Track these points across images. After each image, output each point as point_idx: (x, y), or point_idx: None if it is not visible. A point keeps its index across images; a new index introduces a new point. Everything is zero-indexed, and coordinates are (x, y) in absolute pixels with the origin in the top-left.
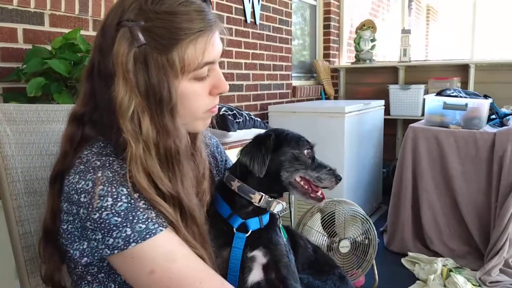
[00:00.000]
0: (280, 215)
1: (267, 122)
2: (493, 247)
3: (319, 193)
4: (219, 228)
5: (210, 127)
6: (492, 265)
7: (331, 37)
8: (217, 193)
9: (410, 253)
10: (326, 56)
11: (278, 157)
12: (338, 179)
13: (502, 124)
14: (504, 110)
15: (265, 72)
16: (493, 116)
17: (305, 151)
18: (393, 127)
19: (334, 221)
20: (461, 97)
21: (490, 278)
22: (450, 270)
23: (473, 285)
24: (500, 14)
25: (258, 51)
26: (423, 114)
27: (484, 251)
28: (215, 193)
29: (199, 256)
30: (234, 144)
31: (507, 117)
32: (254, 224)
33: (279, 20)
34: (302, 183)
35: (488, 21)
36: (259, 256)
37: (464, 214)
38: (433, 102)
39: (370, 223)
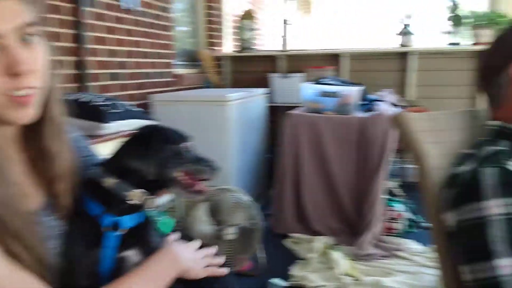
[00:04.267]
0: (164, 209)
1: (149, 112)
2: (365, 223)
3: (199, 186)
4: (85, 228)
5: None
6: (364, 239)
7: (214, 26)
8: (85, 191)
9: (292, 234)
10: (211, 44)
11: (158, 153)
12: (216, 170)
13: (371, 109)
14: (372, 96)
15: (147, 60)
16: (364, 102)
17: (184, 145)
18: (277, 114)
19: (220, 209)
20: (336, 85)
21: (363, 252)
22: (329, 248)
23: (350, 259)
24: (370, 5)
25: (137, 38)
26: None
27: (360, 228)
28: (81, 191)
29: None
30: (110, 136)
31: (375, 103)
32: (127, 222)
33: (160, 7)
34: (183, 178)
35: (362, 11)
36: (132, 256)
37: (340, 194)
38: (309, 90)
39: (255, 208)
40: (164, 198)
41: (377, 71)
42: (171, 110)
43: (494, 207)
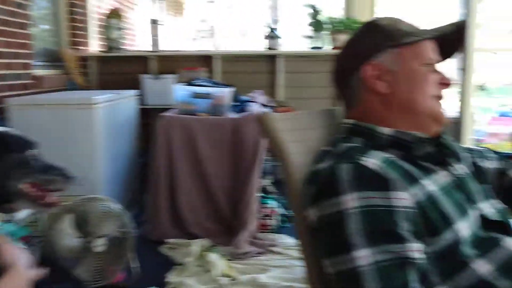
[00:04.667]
0: (23, 223)
1: (3, 118)
2: (241, 222)
3: (50, 198)
4: None
5: None
6: (240, 238)
7: (78, 24)
8: None
9: (168, 240)
10: (75, 43)
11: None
12: (70, 179)
13: (243, 110)
14: (244, 97)
15: (1, 61)
16: (236, 103)
17: (31, 153)
18: (149, 117)
19: (88, 220)
20: (208, 86)
21: (240, 250)
22: (206, 250)
23: (226, 260)
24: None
25: None
26: None
27: (236, 227)
28: None
29: None
30: None
31: (247, 104)
32: None
33: (16, 3)
34: (30, 189)
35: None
36: None
37: (216, 196)
38: (182, 91)
39: (125, 216)
40: (23, 212)
41: (248, 73)
42: (30, 115)
43: (350, 201)
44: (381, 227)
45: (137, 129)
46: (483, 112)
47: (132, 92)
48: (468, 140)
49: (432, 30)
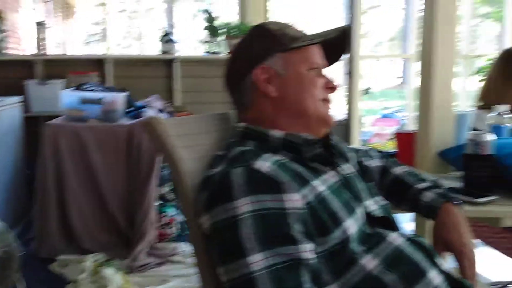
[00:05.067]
0: None
1: None
2: (138, 233)
3: None
4: None
5: None
6: (139, 250)
7: None
8: None
9: (59, 257)
10: None
11: None
12: None
13: (138, 116)
14: (139, 103)
15: None
16: (131, 109)
17: None
18: (35, 125)
19: None
20: (98, 91)
21: (138, 263)
22: (101, 265)
23: (123, 273)
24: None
25: None
26: None
27: (133, 238)
28: None
29: None
30: None
31: (142, 109)
32: None
33: None
34: None
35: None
36: None
37: (111, 206)
38: (70, 97)
39: (8, 234)
40: None
41: (143, 78)
42: None
43: (243, 205)
44: (274, 230)
45: (22, 138)
46: (369, 115)
47: (16, 98)
48: (356, 141)
49: (318, 35)
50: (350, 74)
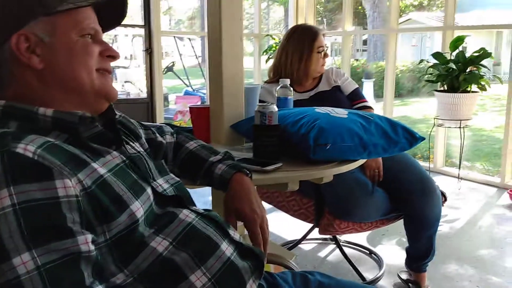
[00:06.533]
0: None
1: None
2: None
3: None
4: None
5: None
6: None
7: None
8: None
9: None
10: None
11: None
12: None
13: None
14: None
15: None
16: None
17: None
18: None
19: None
20: None
21: None
22: None
23: None
24: None
25: None
26: None
27: None
28: None
29: None
30: None
31: None
32: None
33: None
34: None
35: None
36: None
37: None
38: None
39: None
40: None
41: None
42: None
43: (3, 199)
44: (44, 223)
45: None
46: (173, 92)
47: None
48: (160, 119)
49: None
50: (149, 50)
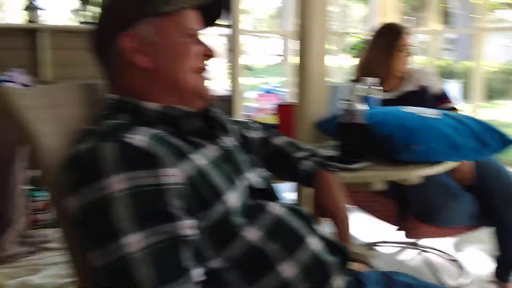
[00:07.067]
0: None
1: None
2: (4, 221)
3: None
4: None
5: None
6: (5, 239)
7: None
8: None
9: None
10: None
11: None
12: None
13: None
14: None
15: None
16: None
17: None
18: None
19: None
20: None
21: (6, 253)
22: None
23: None
24: None
25: None
26: None
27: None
28: None
29: None
30: None
31: (3, 84)
32: None
33: None
34: None
35: None
36: None
37: None
38: None
39: None
40: None
41: (5, 49)
42: None
43: (116, 183)
44: (151, 208)
45: None
46: (251, 90)
47: None
48: (239, 115)
49: None
50: (232, 49)
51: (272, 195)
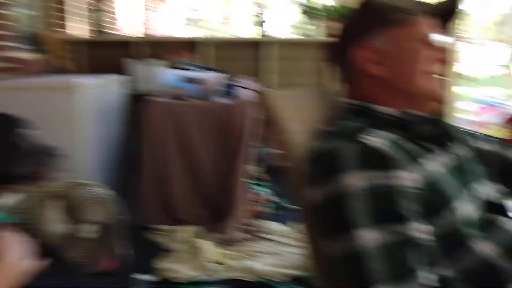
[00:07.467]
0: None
1: None
2: (230, 208)
3: (45, 178)
4: None
5: None
6: (227, 224)
7: (62, 6)
8: None
9: (155, 226)
10: (59, 26)
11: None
12: (61, 157)
13: (233, 96)
14: (235, 83)
15: None
16: (226, 89)
17: (22, 132)
18: (137, 102)
19: (76, 206)
20: (197, 71)
21: (226, 236)
22: (195, 236)
23: (216, 246)
24: None
25: None
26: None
27: (225, 213)
28: None
29: None
30: None
31: (237, 89)
32: None
33: None
34: (24, 170)
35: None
36: None
37: (206, 182)
38: (172, 76)
39: (115, 203)
40: (11, 198)
41: (237, 59)
42: (10, 100)
43: (354, 180)
44: (386, 207)
45: (125, 114)
46: (470, 102)
47: (119, 77)
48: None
49: (425, 4)
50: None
51: (503, 211)
